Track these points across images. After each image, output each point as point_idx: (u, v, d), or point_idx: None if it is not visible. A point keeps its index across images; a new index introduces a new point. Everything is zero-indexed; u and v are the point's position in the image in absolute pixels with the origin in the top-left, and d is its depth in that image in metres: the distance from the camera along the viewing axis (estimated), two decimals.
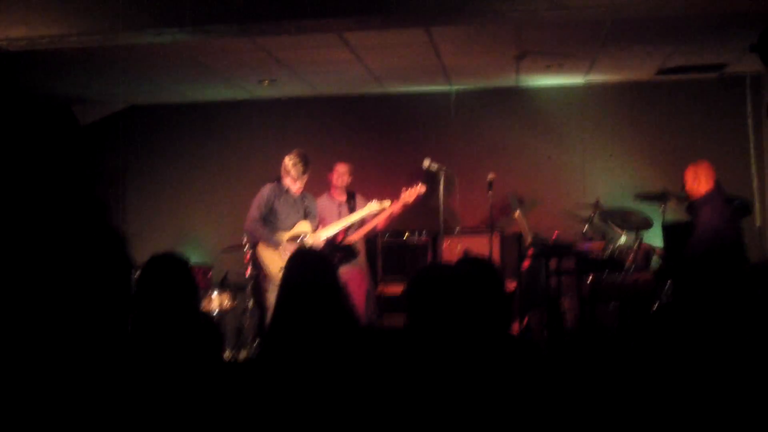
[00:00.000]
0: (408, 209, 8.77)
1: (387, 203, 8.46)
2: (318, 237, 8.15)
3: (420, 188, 8.61)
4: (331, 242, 8.38)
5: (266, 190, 8.18)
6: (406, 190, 8.57)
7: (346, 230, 8.62)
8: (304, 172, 8.08)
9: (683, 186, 7.99)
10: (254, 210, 8.12)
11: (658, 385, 6.39)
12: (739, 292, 7.03)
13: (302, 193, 8.26)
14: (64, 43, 7.06)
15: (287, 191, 8.18)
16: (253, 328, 8.94)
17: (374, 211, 8.49)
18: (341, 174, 8.86)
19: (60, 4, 6.75)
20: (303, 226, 8.13)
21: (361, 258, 8.77)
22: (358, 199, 8.85)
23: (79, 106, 10.83)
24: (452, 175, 8.73)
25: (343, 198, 8.84)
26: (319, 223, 8.42)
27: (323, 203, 8.68)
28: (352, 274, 8.30)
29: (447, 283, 3.36)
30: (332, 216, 8.66)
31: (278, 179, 8.17)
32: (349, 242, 8.50)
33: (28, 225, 1.79)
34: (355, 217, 8.46)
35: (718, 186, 7.82)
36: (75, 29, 6.81)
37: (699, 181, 7.80)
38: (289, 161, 8.09)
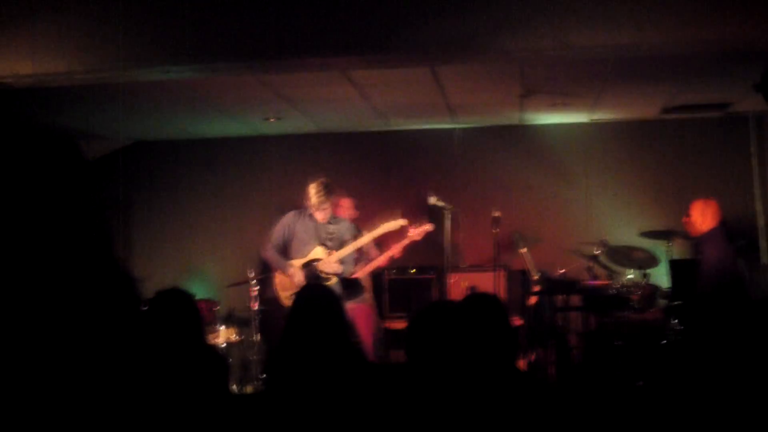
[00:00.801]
0: (413, 246, 8.75)
1: (404, 222, 8.28)
2: (330, 261, 7.99)
3: (427, 226, 8.54)
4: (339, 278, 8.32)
5: (286, 217, 8.13)
6: (414, 228, 8.52)
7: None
8: (324, 201, 7.89)
9: (686, 218, 7.97)
10: (272, 236, 8.10)
11: (665, 421, 6.36)
12: (742, 329, 7.01)
13: (333, 217, 8.13)
14: (71, 80, 7.09)
15: (310, 217, 8.05)
16: (259, 363, 8.91)
17: (390, 228, 8.30)
18: (346, 209, 8.88)
19: (66, 41, 6.78)
20: (316, 253, 8.00)
21: (368, 294, 8.74)
22: (364, 233, 8.84)
23: (85, 141, 10.87)
24: (457, 212, 8.72)
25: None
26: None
27: None
28: (358, 310, 8.27)
29: (448, 321, 3.36)
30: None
31: (304, 207, 8.08)
32: (356, 277, 8.45)
33: (34, 257, 1.80)
34: (369, 237, 8.29)
35: (721, 225, 7.82)
36: (81, 66, 6.83)
37: (705, 218, 7.79)
38: (311, 189, 7.93)
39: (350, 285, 8.27)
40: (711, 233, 7.76)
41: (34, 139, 10.13)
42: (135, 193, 11.04)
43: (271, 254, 8.10)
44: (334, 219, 8.10)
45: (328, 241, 7.99)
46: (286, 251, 8.10)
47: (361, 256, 8.48)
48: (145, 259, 10.69)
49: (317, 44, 6.53)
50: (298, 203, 8.03)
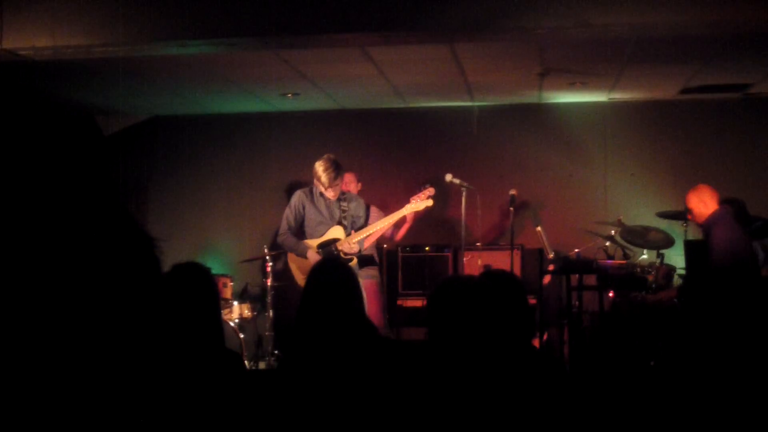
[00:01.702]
0: (429, 219, 8.77)
1: (430, 203, 8.19)
2: (351, 242, 7.91)
3: (429, 190, 8.38)
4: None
5: (294, 198, 7.99)
6: (415, 197, 8.38)
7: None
8: (335, 178, 7.68)
9: (688, 212, 7.94)
10: (283, 221, 7.97)
11: (678, 401, 6.36)
12: (757, 309, 6.99)
13: (343, 193, 7.98)
14: (89, 54, 7.11)
15: (321, 195, 7.89)
16: (273, 339, 8.95)
17: (418, 209, 8.20)
18: (347, 183, 8.79)
19: (85, 15, 6.80)
20: (335, 232, 7.85)
21: (374, 269, 8.74)
22: (373, 210, 8.82)
23: (103, 116, 10.90)
24: (474, 190, 8.71)
25: None
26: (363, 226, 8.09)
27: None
28: (365, 285, 8.30)
29: (470, 293, 3.36)
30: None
31: (311, 186, 7.97)
32: (367, 253, 8.45)
33: (50, 230, 1.80)
34: (391, 219, 8.23)
35: (726, 205, 7.79)
36: (100, 40, 6.85)
37: (705, 204, 7.76)
38: (319, 167, 7.72)
39: (362, 260, 8.27)
40: (716, 214, 7.72)
41: (52, 113, 10.16)
42: (152, 167, 11.07)
43: (287, 239, 7.95)
44: (343, 195, 7.98)
45: (344, 220, 7.90)
46: (299, 233, 8.03)
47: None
48: (160, 233, 10.68)
49: (336, 21, 6.52)
50: (312, 181, 7.97)
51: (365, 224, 7.99)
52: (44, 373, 1.77)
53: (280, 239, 7.98)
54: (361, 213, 8.05)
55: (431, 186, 8.34)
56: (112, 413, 1.83)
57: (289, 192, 8.20)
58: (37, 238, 1.88)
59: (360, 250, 7.98)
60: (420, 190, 8.26)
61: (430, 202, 8.12)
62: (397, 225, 8.96)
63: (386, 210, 8.74)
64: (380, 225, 8.07)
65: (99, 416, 1.80)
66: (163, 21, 6.73)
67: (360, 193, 8.91)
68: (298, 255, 7.89)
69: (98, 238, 1.88)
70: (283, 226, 7.95)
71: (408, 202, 8.17)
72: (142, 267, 1.91)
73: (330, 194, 7.81)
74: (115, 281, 1.85)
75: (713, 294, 7.32)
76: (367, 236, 8.18)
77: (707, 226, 7.75)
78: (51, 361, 1.77)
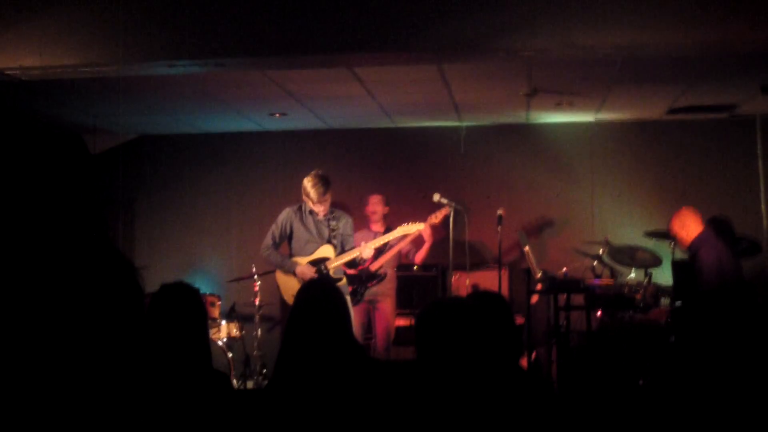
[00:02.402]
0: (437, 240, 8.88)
1: (420, 226, 8.27)
2: (339, 262, 7.93)
3: (445, 210, 8.50)
4: (358, 271, 8.42)
5: (281, 215, 8.01)
6: (434, 215, 8.58)
7: (372, 258, 8.53)
8: (324, 194, 7.73)
9: (673, 237, 7.99)
10: (268, 236, 8.00)
11: (666, 421, 6.36)
12: (747, 328, 7.02)
13: (333, 213, 8.00)
14: (77, 73, 7.11)
15: (310, 213, 7.93)
16: (260, 358, 8.94)
17: (407, 233, 8.29)
18: (373, 204, 8.97)
19: (73, 35, 6.80)
20: (325, 251, 7.90)
21: (389, 287, 8.86)
22: (363, 232, 8.91)
23: (90, 135, 10.88)
24: (462, 210, 8.72)
25: (381, 230, 8.88)
26: (353, 246, 8.12)
27: (361, 236, 8.67)
28: (387, 304, 8.46)
29: (458, 314, 3.36)
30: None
31: (301, 203, 8.00)
32: (373, 268, 8.53)
33: (35, 250, 1.80)
34: (384, 239, 8.29)
35: (707, 226, 7.83)
36: (88, 59, 6.85)
37: (688, 228, 7.82)
38: (307, 183, 7.78)
39: (373, 278, 8.37)
40: (700, 237, 7.77)
41: (39, 132, 10.15)
42: (139, 186, 11.05)
43: (271, 254, 7.97)
44: (332, 214, 8.00)
45: (333, 239, 7.91)
46: (283, 250, 8.05)
47: (382, 245, 8.54)
48: (148, 252, 10.71)
49: (324, 41, 6.54)
50: (301, 199, 7.98)
51: (353, 244, 8.01)
52: (33, 393, 1.77)
53: (264, 254, 8.02)
54: (349, 231, 8.07)
55: (448, 207, 8.43)
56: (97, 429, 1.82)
57: (277, 211, 8.18)
58: (22, 258, 1.87)
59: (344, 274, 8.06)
60: (437, 208, 8.47)
61: (421, 226, 8.21)
62: (416, 245, 9.05)
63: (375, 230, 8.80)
64: (370, 246, 8.09)
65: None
66: (151, 41, 6.73)
67: (386, 216, 9.00)
68: (284, 271, 7.92)
69: (81, 263, 1.87)
70: (267, 240, 7.97)
71: (425, 220, 8.36)
72: (125, 294, 1.91)
73: (319, 209, 7.82)
74: (99, 306, 1.85)
75: (703, 314, 7.35)
76: (381, 256, 8.39)
77: (692, 249, 7.79)
78: (38, 381, 1.76)
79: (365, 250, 7.95)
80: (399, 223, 8.45)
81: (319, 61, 6.96)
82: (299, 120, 10.11)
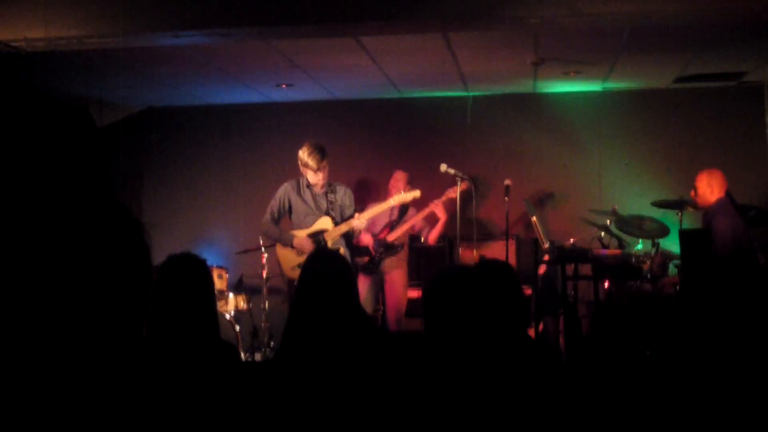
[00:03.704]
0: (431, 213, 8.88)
1: (417, 193, 8.25)
2: (336, 233, 7.95)
3: (464, 184, 8.50)
4: (376, 238, 8.49)
5: (279, 190, 8.05)
6: (451, 189, 8.65)
7: (389, 229, 8.75)
8: (321, 160, 7.74)
9: (694, 191, 7.96)
10: (267, 210, 8.05)
11: (674, 392, 6.36)
12: (757, 298, 7.00)
13: (330, 185, 8.02)
14: (82, 45, 7.09)
15: (308, 187, 7.96)
16: (268, 330, 8.95)
17: (403, 200, 8.30)
18: (397, 180, 8.97)
19: (78, 6, 6.78)
20: (323, 223, 7.91)
21: (402, 259, 8.90)
22: (410, 210, 8.92)
23: (97, 108, 10.86)
24: (468, 180, 8.70)
25: (397, 207, 8.88)
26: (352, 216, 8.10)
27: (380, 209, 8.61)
28: (396, 274, 8.58)
29: (465, 283, 3.35)
30: (382, 220, 8.87)
31: (299, 177, 8.03)
32: (390, 239, 8.59)
33: (42, 221, 1.79)
34: (379, 209, 8.28)
35: (728, 194, 7.80)
36: (92, 31, 6.83)
37: (711, 189, 7.77)
38: (303, 153, 7.80)
39: (389, 248, 8.42)
40: (720, 203, 7.73)
41: (44, 104, 10.13)
42: (146, 159, 11.04)
43: (269, 228, 8.03)
44: (330, 187, 8.02)
45: (331, 211, 7.94)
46: (283, 224, 8.09)
47: (398, 218, 8.55)
48: (155, 225, 10.71)
49: (330, 10, 6.51)
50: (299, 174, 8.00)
51: (353, 214, 8.00)
52: (38, 363, 1.76)
53: (263, 228, 8.10)
54: (348, 202, 8.08)
55: (466, 181, 8.43)
56: (106, 406, 1.82)
57: (284, 182, 8.18)
58: (30, 228, 1.86)
59: (352, 236, 8.08)
60: (445, 179, 8.53)
61: (417, 193, 8.21)
62: (430, 223, 9.06)
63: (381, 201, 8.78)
64: (363, 217, 8.08)
65: (93, 409, 1.79)
66: (157, 11, 6.71)
67: (396, 190, 9.01)
68: (283, 244, 7.96)
69: (88, 225, 1.86)
70: (266, 216, 8.04)
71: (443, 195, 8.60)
72: (131, 252, 1.90)
73: (318, 179, 7.86)
74: (105, 267, 1.84)
75: (714, 282, 7.33)
76: (398, 227, 8.56)
77: (709, 213, 7.76)
78: (44, 351, 1.76)
79: (357, 221, 7.95)
80: (381, 192, 8.50)
81: (324, 30, 6.93)
82: (305, 91, 10.09)
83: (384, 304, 8.87)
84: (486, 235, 9.75)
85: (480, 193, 9.10)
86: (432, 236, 9.19)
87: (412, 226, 8.89)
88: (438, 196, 8.97)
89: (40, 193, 1.98)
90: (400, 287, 8.81)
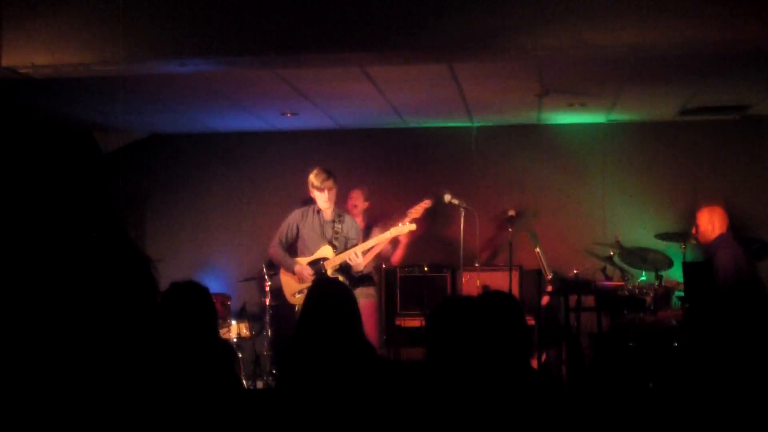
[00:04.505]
0: (429, 238, 8.82)
1: (413, 226, 8.24)
2: (337, 262, 8.00)
3: (425, 203, 8.55)
4: (345, 269, 8.34)
5: (291, 214, 8.19)
6: (413, 207, 8.57)
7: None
8: (327, 179, 7.91)
9: (695, 228, 7.97)
10: (276, 234, 8.15)
11: (677, 424, 6.34)
12: (761, 331, 6.98)
13: (339, 215, 8.13)
14: (89, 72, 7.11)
15: (318, 213, 8.07)
16: (270, 358, 8.93)
17: (399, 233, 8.30)
18: (354, 199, 8.96)
19: (85, 33, 6.80)
20: (324, 251, 8.00)
21: (372, 288, 8.74)
22: (374, 231, 8.86)
23: (102, 134, 10.88)
24: (472, 210, 8.70)
25: (361, 225, 8.85)
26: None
27: None
28: (362, 304, 8.31)
29: (468, 314, 3.35)
30: None
31: (308, 203, 8.12)
32: (364, 272, 8.48)
33: (47, 247, 1.79)
34: (372, 242, 8.32)
35: (730, 230, 7.81)
36: (99, 57, 6.85)
37: (713, 226, 7.79)
38: (311, 176, 8.00)
39: (359, 280, 8.30)
40: (721, 239, 7.74)
41: (50, 130, 10.15)
42: (150, 185, 11.06)
43: (276, 252, 8.15)
44: (339, 216, 8.08)
45: (335, 240, 8.00)
46: (291, 250, 8.14)
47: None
48: (159, 252, 10.70)
49: (335, 40, 6.53)
50: (310, 199, 8.07)
51: (355, 245, 8.05)
52: (43, 390, 1.76)
53: (271, 251, 8.18)
54: (354, 234, 8.13)
55: (428, 198, 8.43)
56: (107, 429, 1.81)
57: (288, 210, 8.24)
58: (34, 254, 1.87)
59: (353, 268, 8.05)
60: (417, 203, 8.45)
61: (413, 227, 8.21)
62: (393, 246, 9.03)
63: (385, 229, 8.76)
64: (366, 246, 8.11)
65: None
66: (163, 39, 6.73)
67: (366, 210, 8.99)
68: (285, 269, 8.03)
69: (95, 257, 1.87)
70: (275, 239, 8.13)
71: (405, 215, 8.34)
72: (139, 287, 1.90)
73: (325, 203, 7.97)
74: (113, 300, 1.84)
75: (718, 315, 7.32)
76: (364, 253, 8.26)
77: (711, 248, 7.75)
78: (50, 377, 1.76)
79: (354, 259, 7.97)
80: (385, 220, 8.50)
81: (329, 60, 6.95)
82: (310, 119, 10.10)
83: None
84: (489, 265, 9.72)
85: (484, 222, 9.07)
86: (395, 258, 9.15)
87: (379, 252, 8.76)
88: (442, 227, 8.95)
89: (46, 224, 1.98)
90: (372, 316, 8.68)
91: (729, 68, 7.67)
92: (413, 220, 8.54)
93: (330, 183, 7.91)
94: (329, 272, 7.87)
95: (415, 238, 9.01)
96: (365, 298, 8.43)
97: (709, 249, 7.83)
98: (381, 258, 9.16)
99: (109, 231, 1.98)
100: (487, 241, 9.88)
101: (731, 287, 7.48)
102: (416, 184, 10.43)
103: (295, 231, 8.11)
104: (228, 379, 4.02)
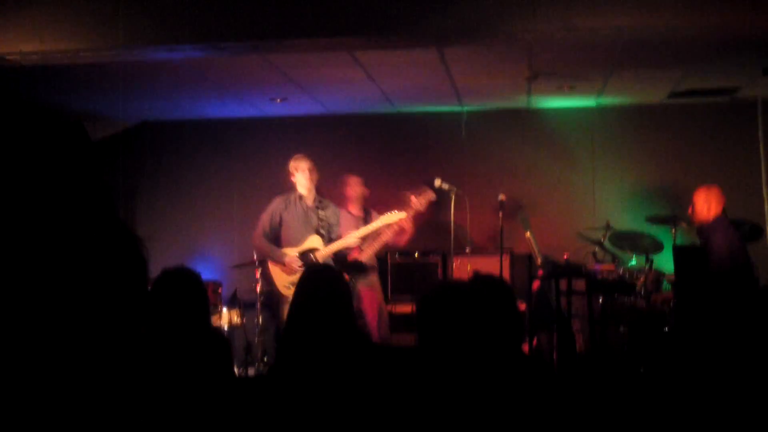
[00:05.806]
0: (420, 224, 8.79)
1: (402, 214, 8.26)
2: (328, 252, 7.99)
3: (429, 195, 8.51)
4: (342, 259, 8.30)
5: (272, 203, 8.14)
6: (416, 197, 8.50)
7: (360, 247, 8.44)
8: (307, 160, 8.07)
9: (691, 208, 7.97)
10: (259, 225, 8.10)
11: (668, 408, 6.36)
12: (753, 314, 7.00)
13: (320, 202, 8.13)
14: (77, 58, 7.08)
15: (300, 200, 8.06)
16: (262, 345, 8.91)
17: (390, 222, 8.29)
18: (353, 186, 8.84)
19: (73, 19, 6.78)
20: (313, 242, 7.99)
21: (374, 276, 8.69)
22: (374, 215, 8.81)
23: (91, 122, 10.85)
24: (463, 195, 8.69)
25: (360, 213, 8.81)
26: (340, 236, 8.20)
27: (343, 218, 8.61)
28: (363, 293, 8.28)
29: (459, 300, 3.35)
30: (351, 230, 8.59)
31: (290, 191, 8.10)
32: (362, 259, 8.43)
33: (38, 233, 1.78)
34: (368, 228, 8.28)
35: (725, 211, 7.81)
36: (87, 44, 6.83)
37: (709, 206, 7.78)
38: (292, 162, 8.10)
39: (356, 267, 8.28)
40: (717, 220, 7.74)
41: (38, 118, 10.12)
42: (141, 173, 11.03)
43: (262, 243, 8.07)
44: (320, 202, 8.07)
45: (321, 229, 7.99)
46: (275, 239, 8.09)
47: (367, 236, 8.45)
48: (150, 240, 10.64)
49: (324, 24, 6.52)
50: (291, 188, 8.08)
51: (339, 234, 8.06)
52: (34, 374, 1.76)
53: (255, 242, 8.12)
54: (335, 221, 8.15)
55: (432, 192, 8.41)
56: (102, 418, 1.81)
57: (278, 196, 8.22)
58: (25, 241, 1.86)
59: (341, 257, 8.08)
60: (419, 192, 8.41)
61: (403, 215, 8.20)
62: (400, 235, 8.98)
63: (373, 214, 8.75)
64: (361, 233, 8.11)
65: (89, 419, 1.79)
66: (151, 25, 6.71)
67: (363, 197, 8.92)
68: (273, 261, 7.97)
69: (85, 240, 1.86)
70: (258, 229, 8.08)
71: (409, 200, 8.36)
72: (129, 267, 1.90)
73: (306, 187, 8.00)
74: (103, 281, 1.84)
75: (710, 298, 7.33)
76: (369, 245, 8.29)
77: (706, 230, 7.76)
78: (39, 361, 1.75)
79: (350, 239, 7.98)
80: (376, 207, 8.49)
81: (319, 44, 6.94)
82: (300, 105, 10.09)
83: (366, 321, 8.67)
84: (480, 250, 9.71)
85: (474, 207, 9.06)
86: (401, 243, 9.01)
87: (385, 242, 8.69)
88: (432, 212, 8.95)
89: (36, 208, 1.97)
90: (377, 304, 8.65)
91: (718, 51, 7.68)
92: (416, 214, 8.52)
93: (311, 164, 8.01)
94: (320, 262, 7.85)
95: (416, 225, 8.96)
96: (366, 286, 8.48)
97: (703, 230, 7.83)
98: (388, 248, 9.14)
99: (99, 212, 1.97)
100: (481, 228, 9.88)
101: (725, 270, 7.49)
102: (406, 169, 10.43)
103: (278, 219, 8.07)
104: (220, 366, 4.01)
